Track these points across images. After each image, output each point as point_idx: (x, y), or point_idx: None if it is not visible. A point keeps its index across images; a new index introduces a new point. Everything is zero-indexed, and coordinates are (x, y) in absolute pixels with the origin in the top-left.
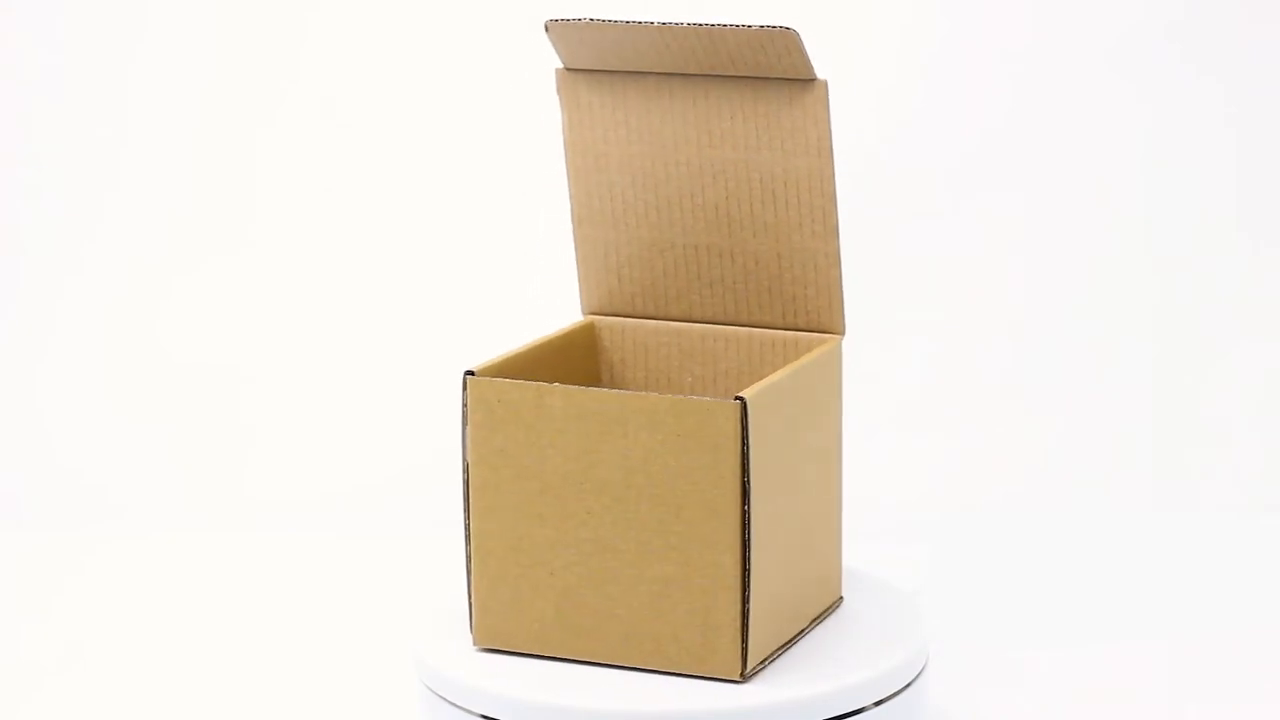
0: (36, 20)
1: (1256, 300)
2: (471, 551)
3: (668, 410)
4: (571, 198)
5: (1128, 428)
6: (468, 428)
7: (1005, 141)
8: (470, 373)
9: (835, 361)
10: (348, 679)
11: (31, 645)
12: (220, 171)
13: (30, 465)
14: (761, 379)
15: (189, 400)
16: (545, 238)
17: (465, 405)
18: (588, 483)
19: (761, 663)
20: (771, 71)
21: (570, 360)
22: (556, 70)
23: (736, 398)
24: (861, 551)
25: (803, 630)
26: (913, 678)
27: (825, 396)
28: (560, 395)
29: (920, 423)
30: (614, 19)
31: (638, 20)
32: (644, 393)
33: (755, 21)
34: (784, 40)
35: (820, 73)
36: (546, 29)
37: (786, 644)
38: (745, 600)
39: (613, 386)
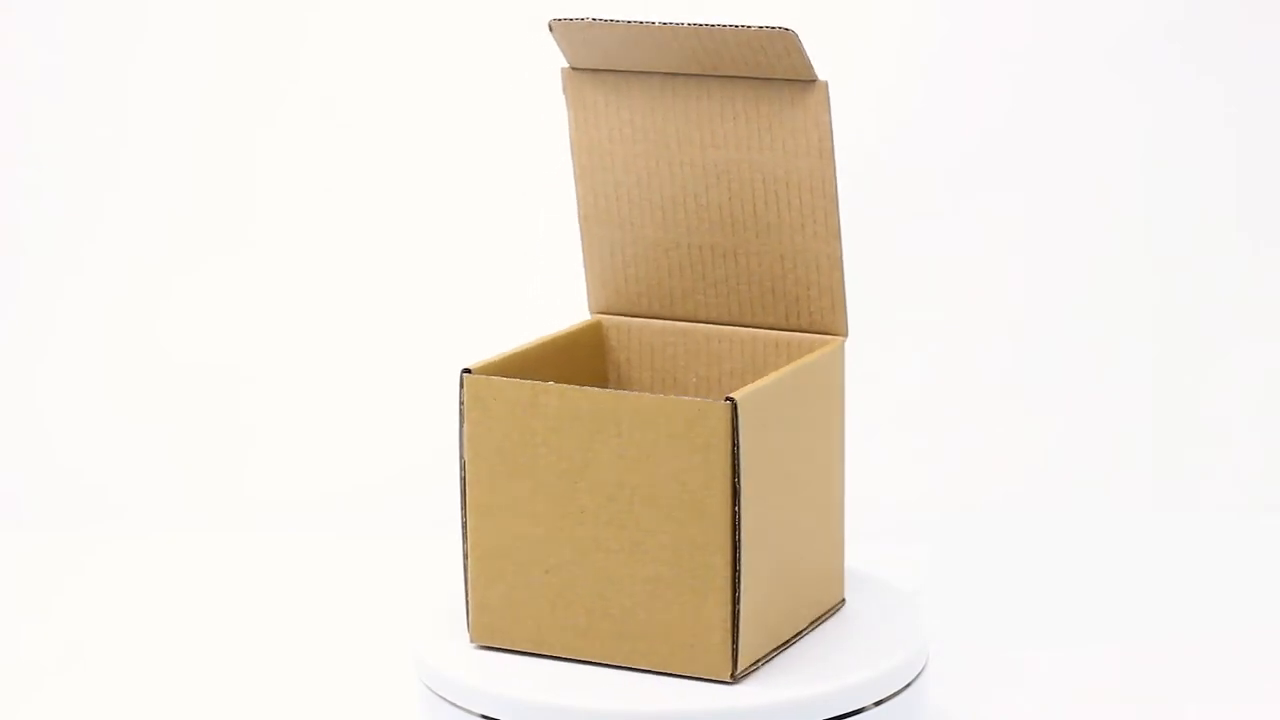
0: (36, 20)
1: (1256, 300)
2: (468, 549)
3: (659, 410)
4: (578, 197)
5: (1128, 428)
6: (465, 425)
7: (1005, 141)
8: (467, 370)
9: (836, 363)
10: (348, 678)
11: (31, 645)
12: (220, 171)
13: (30, 465)
14: None
15: (189, 400)
16: (549, 237)
17: (462, 403)
18: (581, 482)
19: (755, 664)
20: (772, 72)
21: (577, 359)
22: (562, 69)
23: (727, 398)
24: (861, 551)
25: (801, 632)
26: (913, 678)
27: (825, 398)
28: (554, 394)
29: (920, 423)
30: (616, 19)
31: (639, 20)
32: (636, 392)
33: (755, 22)
34: (783, 41)
35: (820, 73)
36: (551, 28)
37: (783, 645)
38: (736, 601)
39: (619, 386)
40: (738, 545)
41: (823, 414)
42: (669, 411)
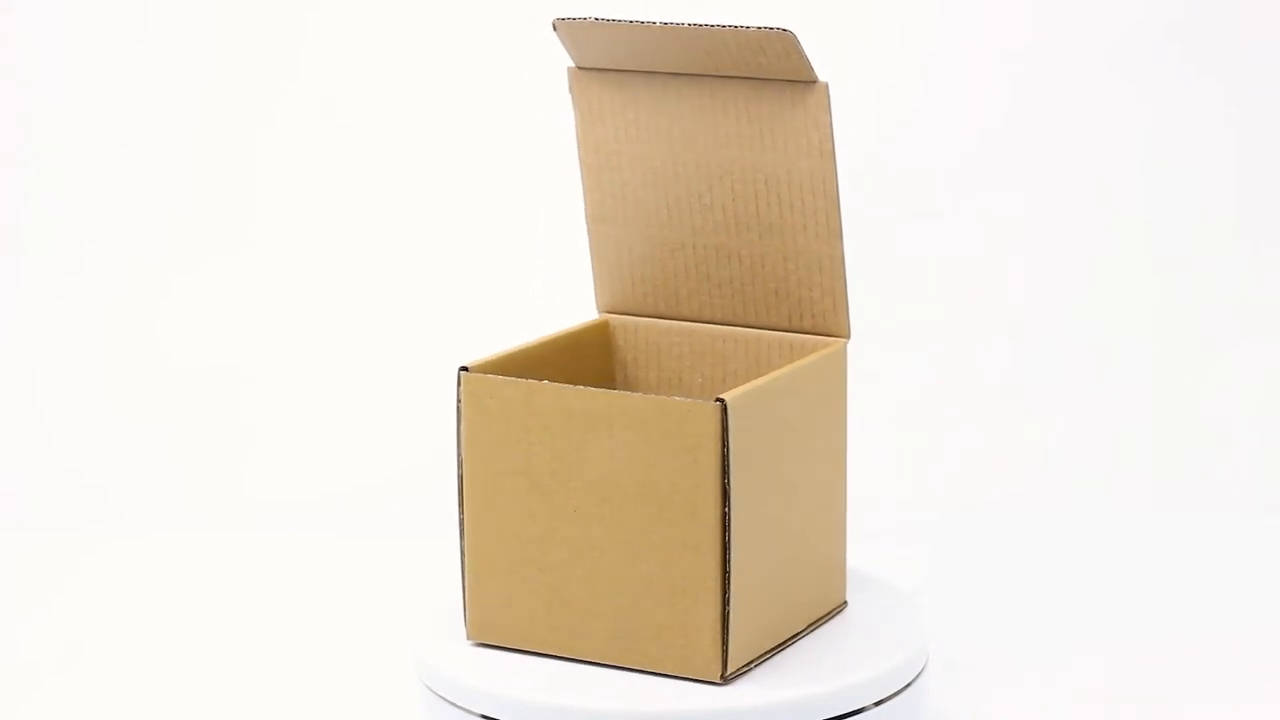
0: (36, 20)
1: (1256, 300)
2: (465, 546)
3: (650, 410)
4: (585, 196)
5: (1128, 428)
6: (462, 423)
7: (1005, 141)
8: (464, 368)
9: (838, 365)
10: (347, 678)
11: (31, 645)
12: (220, 171)
13: (30, 465)
14: None
15: (189, 400)
16: (551, 236)
17: (459, 400)
18: (575, 481)
19: (747, 665)
20: (772, 73)
21: (584, 358)
22: (569, 69)
23: (717, 399)
24: (862, 551)
25: (798, 634)
26: (913, 678)
27: (825, 400)
28: (548, 393)
29: (920, 423)
30: (618, 19)
31: (641, 20)
32: (627, 392)
33: (756, 23)
34: (782, 42)
35: (820, 73)
36: (555, 28)
37: (779, 646)
38: (726, 603)
39: (625, 385)
40: (728, 546)
41: (822, 416)
42: (660, 411)
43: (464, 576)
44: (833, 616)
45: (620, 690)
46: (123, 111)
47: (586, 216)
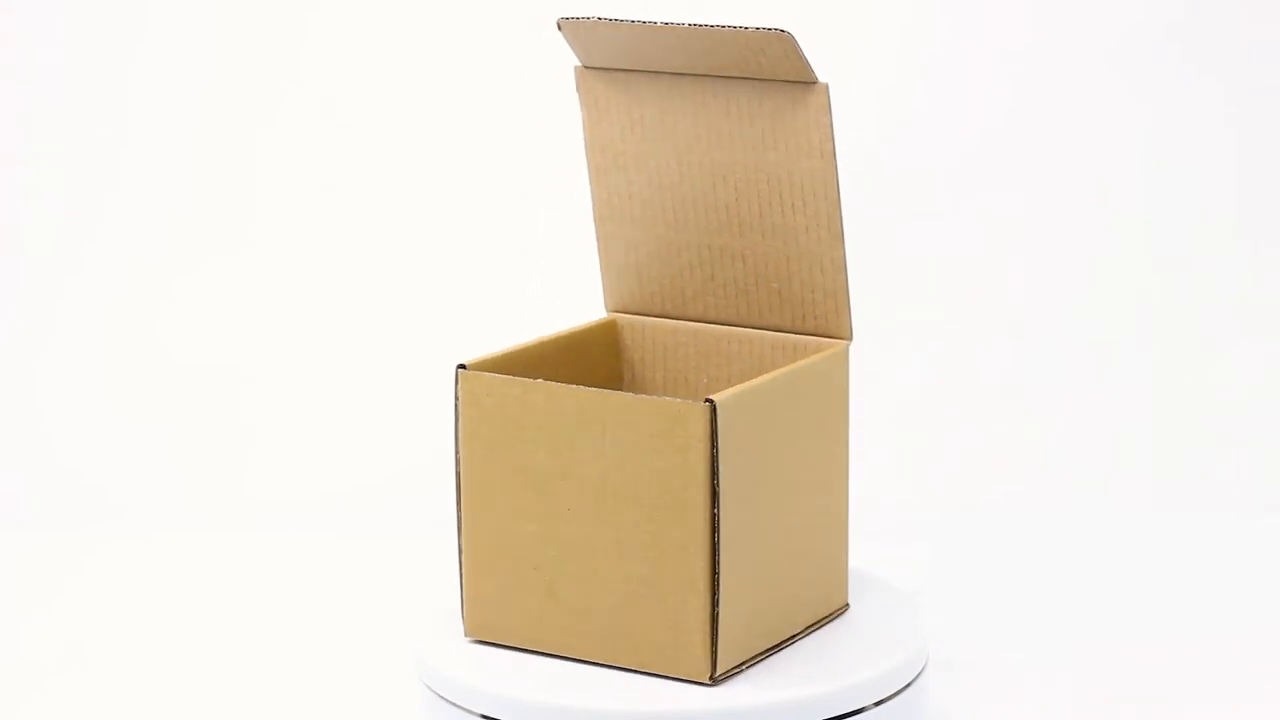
0: (36, 20)
1: (1256, 300)
2: (462, 544)
3: (641, 410)
4: (592, 195)
5: (1128, 428)
6: (459, 420)
7: (1005, 141)
8: (462, 366)
9: (838, 368)
10: (347, 678)
11: (31, 645)
12: (220, 171)
13: (30, 465)
14: None
15: (189, 400)
16: (558, 234)
17: (457, 398)
18: (568, 480)
19: (740, 666)
20: (773, 74)
21: (591, 357)
22: (575, 68)
23: (706, 400)
24: (862, 551)
25: (795, 635)
26: (913, 678)
27: (824, 403)
28: (542, 391)
29: (920, 423)
30: (622, 18)
31: (643, 20)
32: (619, 392)
33: (755, 23)
34: (780, 43)
35: (820, 73)
36: (559, 27)
37: (776, 647)
38: (715, 603)
39: (633, 385)
40: (717, 547)
41: (821, 418)
42: (650, 411)
43: (462, 574)
44: (833, 619)
45: (619, 690)
46: (123, 111)
47: (594, 216)
